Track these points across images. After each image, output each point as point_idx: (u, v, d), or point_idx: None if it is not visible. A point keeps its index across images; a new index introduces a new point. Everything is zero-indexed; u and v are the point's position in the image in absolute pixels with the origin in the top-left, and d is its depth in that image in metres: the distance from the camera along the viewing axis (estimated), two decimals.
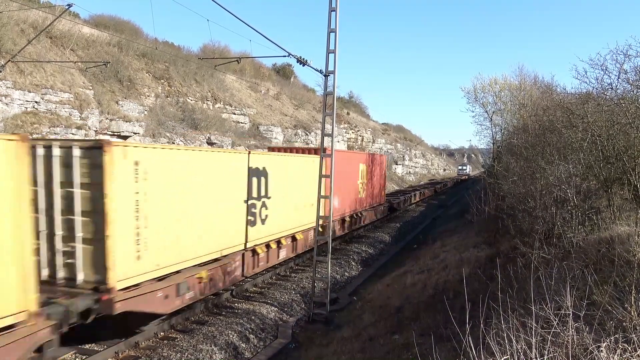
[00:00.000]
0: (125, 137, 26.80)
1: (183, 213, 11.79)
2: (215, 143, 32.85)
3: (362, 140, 66.12)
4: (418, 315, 11.55)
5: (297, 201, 18.18)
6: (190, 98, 36.88)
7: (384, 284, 17.12)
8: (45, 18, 26.90)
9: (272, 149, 24.10)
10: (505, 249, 13.18)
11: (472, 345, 4.79)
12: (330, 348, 11.57)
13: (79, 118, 24.08)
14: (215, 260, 13.35)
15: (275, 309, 14.45)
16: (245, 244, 14.02)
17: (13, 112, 21.44)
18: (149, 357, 10.70)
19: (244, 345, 11.95)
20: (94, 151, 9.55)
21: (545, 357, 4.68)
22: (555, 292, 6.01)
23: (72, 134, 22.87)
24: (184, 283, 11.81)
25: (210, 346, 11.37)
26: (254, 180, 15.07)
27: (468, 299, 6.71)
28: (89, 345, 11.00)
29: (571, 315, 5.04)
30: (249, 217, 14.75)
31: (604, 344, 4.57)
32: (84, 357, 10.40)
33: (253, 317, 13.42)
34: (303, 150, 23.02)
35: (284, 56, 14.13)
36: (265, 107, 47.38)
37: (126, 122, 26.97)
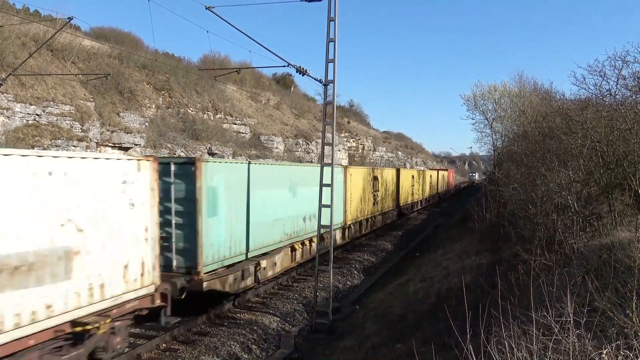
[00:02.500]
0: (126, 149, 26.89)
1: (359, 195, 25.86)
2: (216, 153, 32.92)
3: (363, 149, 66.20)
4: (420, 323, 11.50)
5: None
6: (191, 109, 37.02)
7: (386, 293, 17.07)
8: (46, 31, 27.11)
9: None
10: (507, 256, 13.15)
11: (473, 353, 4.78)
12: (333, 358, 11.53)
13: (80, 130, 24.18)
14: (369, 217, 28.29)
15: (278, 319, 14.41)
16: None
17: (15, 125, 21.54)
18: None
19: (246, 356, 11.91)
20: (344, 168, 23.51)
21: None
22: (556, 298, 6.00)
23: (74, 146, 22.95)
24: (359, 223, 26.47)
25: (213, 357, 11.34)
26: (374, 182, 29.01)
27: (470, 307, 6.70)
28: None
29: (572, 322, 5.02)
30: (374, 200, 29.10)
31: (605, 351, 4.57)
32: None
33: (255, 328, 13.38)
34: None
35: (284, 66, 14.15)
36: (266, 117, 47.52)
37: (127, 133, 27.08)
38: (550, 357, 4.71)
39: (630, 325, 5.27)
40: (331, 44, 13.93)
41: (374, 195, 28.60)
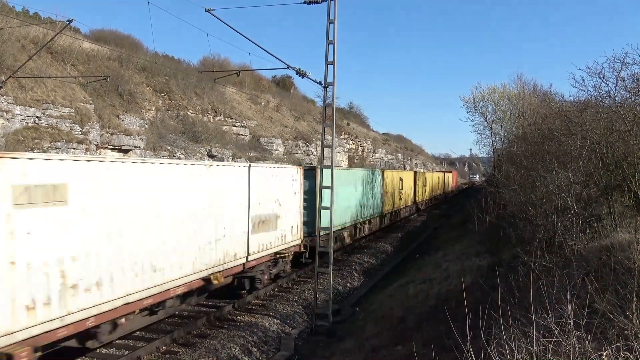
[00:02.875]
0: (126, 151, 26.89)
1: (391, 192, 32.24)
2: (216, 156, 32.92)
3: (363, 151, 66.20)
4: (421, 325, 11.50)
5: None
6: (190, 111, 37.01)
7: (386, 295, 17.07)
8: (46, 34, 27.11)
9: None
10: (507, 257, 13.15)
11: (473, 355, 4.78)
12: None
13: (80, 132, 24.17)
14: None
15: (278, 321, 14.40)
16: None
17: (14, 127, 21.54)
18: None
19: (246, 359, 11.90)
20: (382, 171, 31.56)
21: None
22: (556, 300, 6.01)
23: (73, 148, 22.95)
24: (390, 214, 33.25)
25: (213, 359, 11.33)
26: (400, 182, 35.58)
27: (470, 309, 6.70)
28: None
29: (572, 323, 5.02)
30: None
31: (606, 353, 4.57)
32: None
33: (255, 330, 13.37)
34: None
35: (284, 68, 14.23)
36: (266, 119, 47.52)
37: (127, 136, 27.06)
38: (550, 359, 4.70)
39: (631, 327, 5.27)
40: (330, 46, 13.94)
41: (400, 192, 35.75)
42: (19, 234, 7.93)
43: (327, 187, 14.70)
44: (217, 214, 13.06)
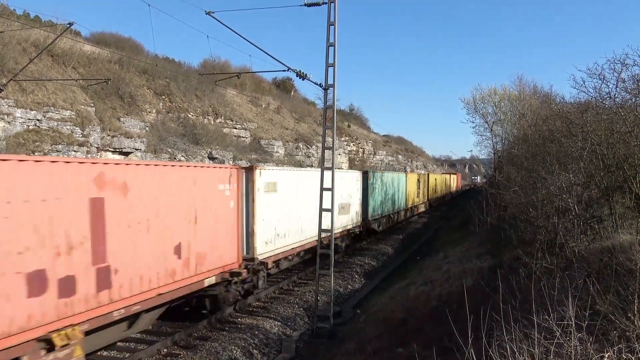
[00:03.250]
0: (127, 154, 26.91)
1: (411, 191, 39.46)
2: (216, 158, 32.93)
3: (364, 153, 66.22)
4: (422, 327, 11.48)
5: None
6: (191, 113, 37.05)
7: (387, 297, 17.04)
8: (47, 37, 27.17)
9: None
10: (508, 259, 13.12)
11: (474, 357, 4.77)
12: None
13: (81, 135, 24.20)
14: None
15: (279, 323, 14.38)
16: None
17: (15, 130, 21.56)
18: None
19: None
20: (405, 174, 39.44)
21: None
22: (557, 302, 5.99)
23: (74, 151, 22.96)
24: (410, 209, 39.64)
25: None
26: (418, 182, 41.17)
27: (471, 311, 6.68)
28: None
29: (574, 325, 5.01)
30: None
31: (607, 354, 4.56)
32: None
33: (256, 332, 13.35)
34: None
35: (284, 70, 14.29)
36: (266, 121, 47.55)
37: (128, 138, 27.09)
38: None
39: (632, 329, 5.26)
40: (331, 48, 13.95)
41: (417, 191, 42.08)
42: (264, 205, 15.64)
43: (327, 189, 14.67)
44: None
